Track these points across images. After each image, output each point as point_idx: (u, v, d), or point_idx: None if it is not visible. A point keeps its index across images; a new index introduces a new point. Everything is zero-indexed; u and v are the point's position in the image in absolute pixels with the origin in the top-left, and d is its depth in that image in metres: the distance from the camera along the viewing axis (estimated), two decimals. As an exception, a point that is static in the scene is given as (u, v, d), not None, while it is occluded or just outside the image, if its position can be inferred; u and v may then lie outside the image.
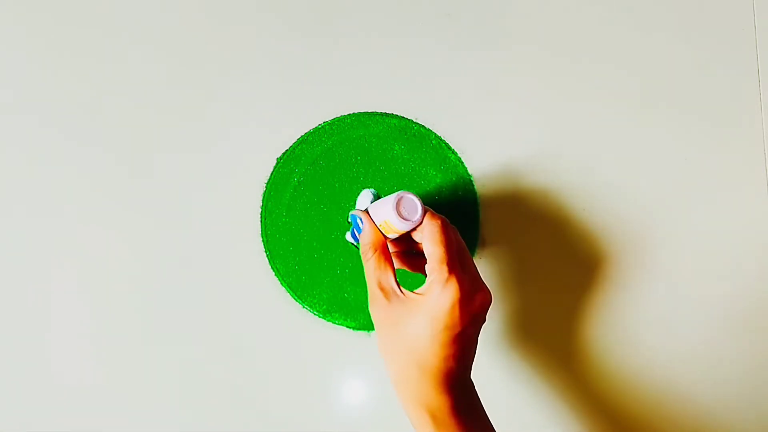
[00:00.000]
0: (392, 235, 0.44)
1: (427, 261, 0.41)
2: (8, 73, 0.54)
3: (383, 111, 0.53)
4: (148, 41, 0.54)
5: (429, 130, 0.53)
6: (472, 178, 0.53)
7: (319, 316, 0.52)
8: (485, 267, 0.53)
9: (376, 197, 0.53)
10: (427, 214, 0.42)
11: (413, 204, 0.42)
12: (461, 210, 0.53)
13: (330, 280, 0.52)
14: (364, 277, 0.52)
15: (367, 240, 0.44)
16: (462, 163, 0.53)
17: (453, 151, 0.53)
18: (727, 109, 0.54)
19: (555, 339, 0.53)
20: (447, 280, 0.40)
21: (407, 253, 0.47)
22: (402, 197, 0.42)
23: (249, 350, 0.52)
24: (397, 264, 0.46)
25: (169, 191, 0.53)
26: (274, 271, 0.53)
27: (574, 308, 0.53)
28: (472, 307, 0.41)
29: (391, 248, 0.46)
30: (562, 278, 0.53)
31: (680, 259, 0.53)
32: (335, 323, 0.52)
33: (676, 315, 0.53)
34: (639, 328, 0.53)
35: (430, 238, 0.41)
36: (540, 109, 0.54)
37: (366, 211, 0.45)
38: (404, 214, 0.42)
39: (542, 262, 0.53)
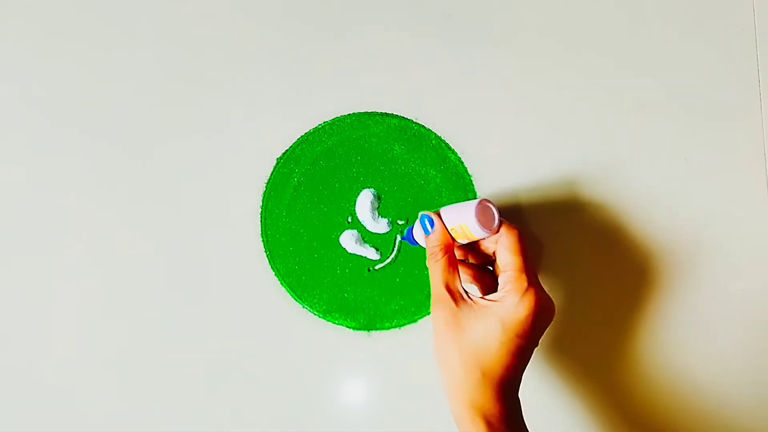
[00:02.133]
0: (463, 241, 0.44)
1: (502, 270, 0.42)
2: (8, 66, 0.54)
3: (383, 111, 0.53)
4: (148, 41, 0.54)
5: (429, 130, 0.53)
6: (472, 178, 0.53)
7: (319, 316, 0.52)
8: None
9: (377, 197, 0.53)
10: (504, 224, 0.43)
11: (491, 212, 0.43)
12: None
13: (330, 280, 0.52)
14: (364, 277, 0.52)
15: (437, 242, 0.44)
16: (462, 163, 0.53)
17: (453, 151, 0.53)
18: (728, 109, 0.54)
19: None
20: (526, 289, 0.40)
21: (461, 261, 0.47)
22: (483, 204, 0.43)
23: (249, 350, 0.52)
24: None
25: (169, 191, 0.53)
26: (274, 271, 0.53)
27: (573, 311, 0.53)
28: (544, 321, 0.41)
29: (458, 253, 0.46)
30: (560, 279, 0.53)
31: (678, 259, 0.53)
32: (335, 323, 0.52)
33: (676, 318, 0.53)
34: (654, 336, 0.53)
35: (508, 247, 0.42)
36: (540, 109, 0.54)
37: (437, 213, 0.45)
38: (483, 221, 0.42)
39: (542, 262, 0.53)
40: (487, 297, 0.42)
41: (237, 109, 0.53)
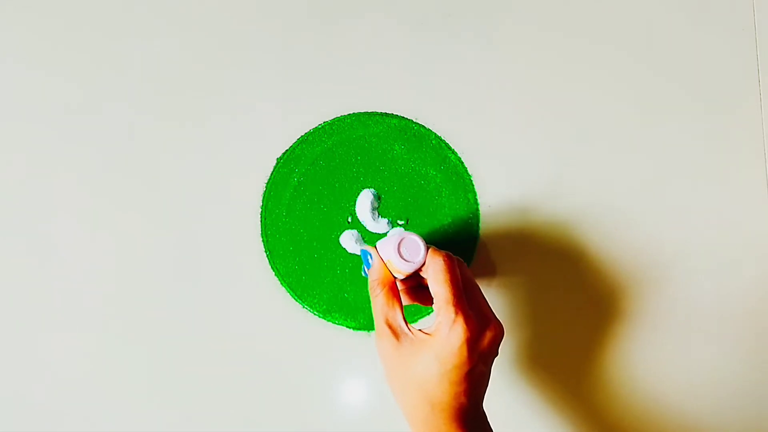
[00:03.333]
0: (398, 275, 0.43)
1: (434, 300, 0.41)
2: (7, 75, 0.54)
3: (383, 111, 0.53)
4: (147, 42, 0.54)
5: (429, 130, 0.53)
6: (471, 178, 0.53)
7: (319, 316, 0.52)
8: (484, 268, 0.53)
9: (377, 197, 0.53)
10: (429, 252, 0.42)
11: (415, 245, 0.42)
12: (461, 210, 0.53)
13: (330, 280, 0.52)
14: (364, 277, 0.52)
15: (375, 276, 0.43)
16: (462, 163, 0.53)
17: (453, 151, 0.53)
18: (728, 109, 0.54)
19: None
20: (454, 321, 0.39)
21: (417, 288, 0.46)
22: (403, 238, 0.42)
23: (249, 350, 0.52)
24: (407, 300, 0.46)
25: (169, 191, 0.53)
26: (274, 271, 0.53)
27: (571, 313, 0.53)
28: (481, 345, 0.40)
29: (401, 285, 0.45)
30: (561, 279, 0.53)
31: (679, 260, 0.53)
32: (335, 323, 0.52)
33: (678, 321, 0.53)
34: (647, 346, 0.53)
35: (434, 278, 0.41)
36: (540, 109, 0.54)
37: (375, 246, 0.44)
38: (405, 255, 0.42)
39: (540, 262, 0.53)
40: (424, 330, 0.41)
41: (237, 109, 0.53)
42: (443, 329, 0.40)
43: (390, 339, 0.41)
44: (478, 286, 0.44)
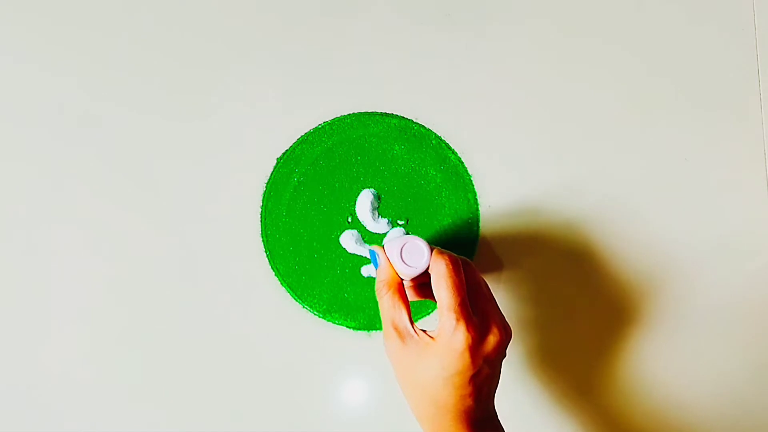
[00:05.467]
0: (404, 278, 0.43)
1: (438, 304, 0.41)
2: (7, 75, 0.54)
3: (383, 111, 0.53)
4: (147, 41, 0.54)
5: (429, 130, 0.53)
6: (471, 178, 0.53)
7: (319, 316, 0.52)
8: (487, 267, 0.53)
9: (377, 197, 0.53)
10: (433, 254, 0.42)
11: (419, 249, 0.42)
12: (461, 210, 0.53)
13: (330, 280, 0.52)
14: (364, 277, 0.52)
15: (382, 277, 0.43)
16: (462, 163, 0.53)
17: (453, 151, 0.53)
18: (728, 109, 0.54)
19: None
20: (455, 327, 0.39)
21: (424, 285, 0.46)
22: (406, 242, 0.42)
23: (249, 350, 0.52)
24: (415, 296, 0.46)
25: (169, 191, 0.53)
26: (274, 271, 0.53)
27: (571, 313, 0.53)
28: (484, 350, 0.40)
29: (408, 282, 0.45)
30: (561, 280, 0.53)
31: (679, 260, 0.53)
32: (335, 323, 0.52)
33: (683, 325, 0.53)
34: (651, 343, 0.53)
35: (436, 282, 0.41)
36: (540, 109, 0.54)
37: (383, 247, 0.44)
38: (408, 260, 0.42)
39: (541, 261, 0.53)
40: (429, 333, 0.41)
41: (237, 109, 0.53)
42: (445, 335, 0.39)
43: (396, 340, 0.41)
44: (486, 286, 0.43)
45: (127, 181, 0.53)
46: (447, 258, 0.41)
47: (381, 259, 0.43)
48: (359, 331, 0.52)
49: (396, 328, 0.41)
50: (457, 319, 0.39)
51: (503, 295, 0.53)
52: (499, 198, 0.53)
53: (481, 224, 0.53)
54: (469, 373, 0.39)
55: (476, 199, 0.53)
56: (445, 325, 0.39)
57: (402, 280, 0.43)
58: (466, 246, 0.53)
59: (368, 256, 0.52)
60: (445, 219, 0.53)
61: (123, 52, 0.54)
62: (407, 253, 0.42)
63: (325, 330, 0.52)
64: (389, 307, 0.42)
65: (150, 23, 0.54)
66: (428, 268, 0.42)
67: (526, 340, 0.53)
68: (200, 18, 0.54)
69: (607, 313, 0.53)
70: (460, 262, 0.42)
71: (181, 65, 0.54)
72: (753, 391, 0.53)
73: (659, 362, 0.52)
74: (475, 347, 0.39)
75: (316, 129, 0.53)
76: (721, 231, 0.53)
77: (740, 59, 0.54)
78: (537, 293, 0.53)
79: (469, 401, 0.40)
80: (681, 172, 0.54)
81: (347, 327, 0.52)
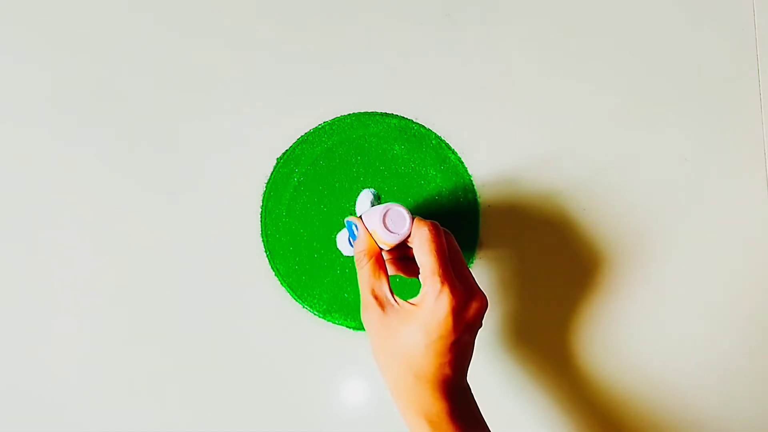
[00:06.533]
0: (384, 246, 0.43)
1: (420, 270, 0.41)
2: (8, 75, 0.54)
3: (383, 111, 0.53)
4: (148, 41, 0.54)
5: (429, 130, 0.53)
6: (472, 178, 0.53)
7: (319, 316, 0.52)
8: (484, 268, 0.53)
9: (376, 197, 0.53)
10: (414, 222, 0.42)
11: (401, 216, 0.42)
12: (461, 210, 0.53)
13: (330, 280, 0.52)
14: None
15: (361, 247, 0.43)
16: (462, 163, 0.53)
17: (453, 151, 0.53)
18: (728, 109, 0.54)
19: (551, 342, 0.53)
20: (440, 291, 0.39)
21: (402, 258, 0.46)
22: (389, 209, 0.42)
23: (249, 350, 0.52)
24: (392, 270, 0.46)
25: (169, 191, 0.53)
26: (274, 271, 0.53)
27: (571, 311, 0.53)
28: (467, 315, 0.40)
29: (386, 255, 0.45)
30: (561, 280, 0.53)
31: (679, 260, 0.53)
32: (335, 323, 0.52)
33: (674, 317, 0.53)
34: (635, 330, 0.53)
35: (419, 248, 0.41)
36: (540, 109, 0.54)
37: (360, 217, 0.44)
38: (391, 226, 0.42)
39: (541, 262, 0.53)
40: (410, 301, 0.41)
41: (237, 109, 0.53)
42: (429, 299, 0.39)
43: (376, 309, 0.41)
44: (462, 257, 0.44)
45: (128, 181, 0.53)
46: (429, 224, 0.41)
47: (360, 230, 0.43)
48: (359, 331, 0.52)
49: (376, 297, 0.41)
50: (442, 283, 0.39)
51: (498, 286, 0.53)
52: (499, 198, 0.53)
53: (481, 224, 0.53)
54: (450, 339, 0.40)
55: (476, 199, 0.53)
56: (429, 289, 0.40)
57: (381, 251, 0.43)
58: (466, 244, 0.53)
59: None
60: (446, 219, 0.53)
61: (123, 51, 0.54)
62: (390, 220, 0.42)
63: (325, 330, 0.52)
64: (369, 276, 0.42)
65: (150, 23, 0.54)
66: (410, 235, 0.42)
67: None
68: (200, 18, 0.54)
69: (604, 311, 0.53)
70: (441, 228, 0.42)
71: (181, 65, 0.54)
72: (737, 367, 0.53)
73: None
74: (458, 311, 0.40)
75: (316, 129, 0.53)
76: (721, 231, 0.53)
77: (740, 59, 0.54)
78: (534, 295, 0.53)
79: (447, 370, 0.40)
80: (681, 172, 0.54)
81: (347, 327, 0.52)
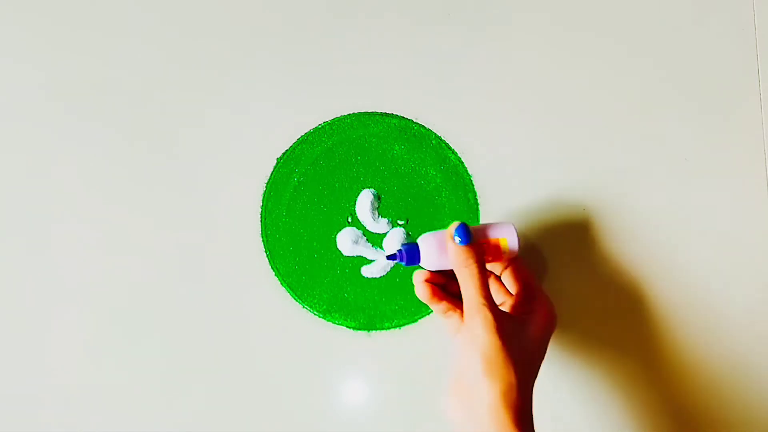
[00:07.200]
0: (429, 267, 0.45)
1: (516, 287, 0.47)
2: (8, 75, 0.54)
3: (383, 111, 0.53)
4: (148, 41, 0.54)
5: (429, 130, 0.53)
6: (471, 178, 0.53)
7: (319, 316, 0.52)
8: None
9: (377, 197, 0.53)
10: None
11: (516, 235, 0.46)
12: (461, 210, 0.53)
13: (330, 280, 0.52)
14: (364, 277, 0.52)
15: (471, 251, 0.43)
16: (462, 163, 0.53)
17: (453, 151, 0.53)
18: (727, 109, 0.54)
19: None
20: (548, 308, 0.46)
21: (440, 285, 0.47)
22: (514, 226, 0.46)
23: (249, 350, 0.52)
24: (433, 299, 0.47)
25: (169, 191, 0.53)
26: (274, 271, 0.53)
27: (571, 311, 0.53)
28: (552, 331, 0.46)
29: (427, 274, 0.47)
30: (560, 280, 0.53)
31: (679, 260, 0.53)
32: (335, 323, 0.52)
33: (674, 317, 0.53)
34: (635, 330, 0.53)
35: (523, 268, 0.48)
36: (540, 109, 0.54)
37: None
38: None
39: (541, 262, 0.53)
40: (515, 311, 0.46)
41: (237, 109, 0.53)
42: (540, 310, 0.45)
43: (495, 309, 0.42)
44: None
45: (127, 181, 0.53)
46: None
47: (473, 234, 0.45)
48: (359, 331, 0.52)
49: (488, 297, 0.42)
50: (546, 299, 0.47)
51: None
52: (500, 198, 0.53)
53: (480, 224, 0.53)
54: (544, 352, 0.45)
55: (476, 199, 0.53)
56: (539, 303, 0.46)
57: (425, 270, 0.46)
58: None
59: (367, 257, 0.52)
60: (445, 219, 0.53)
61: (123, 51, 0.54)
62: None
63: (325, 330, 0.52)
64: (478, 275, 0.43)
65: (151, 23, 0.54)
66: (514, 256, 0.47)
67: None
68: (200, 19, 0.54)
69: (604, 310, 0.53)
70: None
71: (181, 66, 0.54)
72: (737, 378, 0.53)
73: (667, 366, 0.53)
74: (550, 327, 0.46)
75: (316, 129, 0.53)
76: (721, 231, 0.53)
77: (740, 59, 0.54)
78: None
79: (539, 364, 0.44)
80: (681, 172, 0.54)
81: (347, 327, 0.52)
